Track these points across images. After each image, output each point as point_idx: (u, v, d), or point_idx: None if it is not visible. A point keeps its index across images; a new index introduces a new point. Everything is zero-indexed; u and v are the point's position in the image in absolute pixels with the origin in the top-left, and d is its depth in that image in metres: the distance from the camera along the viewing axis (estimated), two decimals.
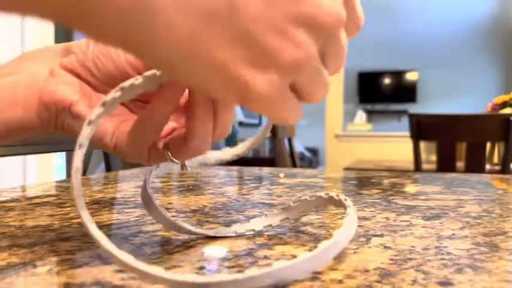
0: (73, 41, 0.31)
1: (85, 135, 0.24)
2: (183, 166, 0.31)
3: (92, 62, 0.30)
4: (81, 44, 0.30)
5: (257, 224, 0.35)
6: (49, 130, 0.31)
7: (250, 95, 0.21)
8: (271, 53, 0.20)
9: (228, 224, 0.36)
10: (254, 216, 0.36)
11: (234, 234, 0.34)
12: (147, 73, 0.26)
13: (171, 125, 0.30)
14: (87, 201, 0.52)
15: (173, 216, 0.44)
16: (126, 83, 0.25)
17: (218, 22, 0.19)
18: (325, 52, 0.22)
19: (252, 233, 0.35)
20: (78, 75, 0.30)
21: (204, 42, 0.19)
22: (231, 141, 4.11)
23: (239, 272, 0.26)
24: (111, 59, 0.29)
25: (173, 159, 0.29)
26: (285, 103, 0.22)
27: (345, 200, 0.32)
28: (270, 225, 0.35)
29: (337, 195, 0.33)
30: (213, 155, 0.34)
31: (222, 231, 0.35)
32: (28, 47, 1.68)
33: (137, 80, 0.25)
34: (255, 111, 0.22)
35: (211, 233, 0.34)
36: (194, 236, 0.34)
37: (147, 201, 0.32)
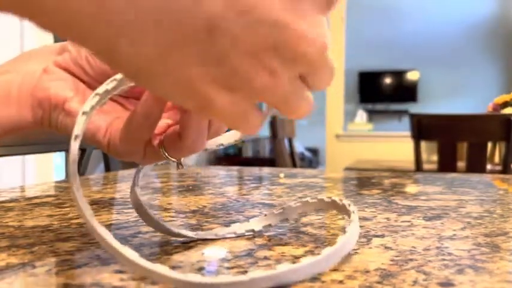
0: None
1: (80, 125, 0.25)
2: (178, 165, 0.31)
3: (85, 60, 0.30)
4: None
5: (257, 224, 0.35)
6: (43, 129, 0.30)
7: (210, 111, 0.20)
8: (242, 77, 0.19)
9: (227, 225, 0.35)
10: (254, 217, 0.36)
11: (233, 235, 0.34)
12: None
13: (166, 122, 0.30)
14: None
15: (172, 217, 0.44)
16: (119, 75, 0.26)
17: (194, 41, 0.18)
18: (308, 74, 0.22)
19: (252, 233, 0.35)
20: (71, 73, 0.30)
21: (174, 59, 0.19)
22: None
23: (239, 272, 0.26)
24: None
25: (168, 157, 0.29)
26: (245, 121, 0.22)
27: (349, 205, 0.31)
28: (270, 225, 0.35)
29: (340, 200, 0.32)
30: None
31: (221, 232, 0.34)
32: (27, 47, 1.68)
33: None
34: None
35: (210, 235, 0.34)
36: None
37: (138, 207, 0.32)
